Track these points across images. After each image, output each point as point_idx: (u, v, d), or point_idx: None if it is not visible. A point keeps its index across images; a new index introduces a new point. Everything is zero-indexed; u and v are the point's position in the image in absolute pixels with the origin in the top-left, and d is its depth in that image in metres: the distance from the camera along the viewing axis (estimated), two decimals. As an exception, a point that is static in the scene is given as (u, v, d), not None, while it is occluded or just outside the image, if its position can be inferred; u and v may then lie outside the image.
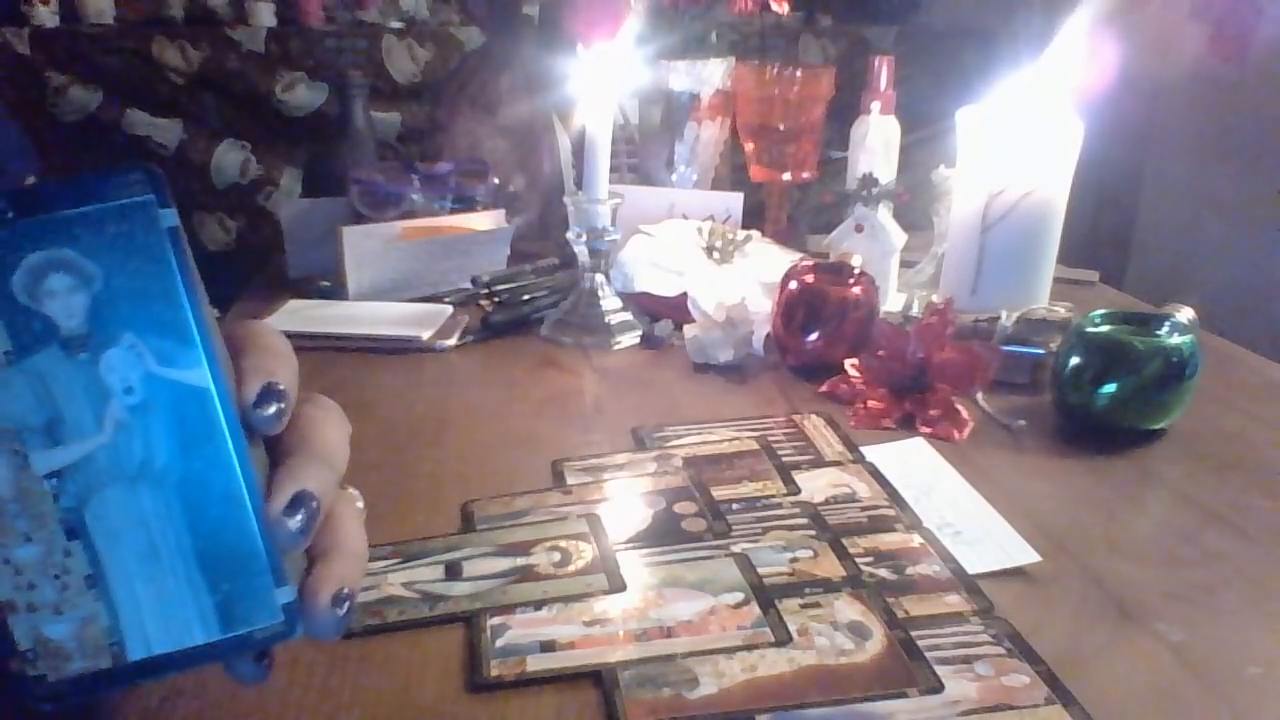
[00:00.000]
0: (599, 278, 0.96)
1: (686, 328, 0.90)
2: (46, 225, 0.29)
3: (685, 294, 0.92)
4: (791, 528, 0.60)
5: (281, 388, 0.31)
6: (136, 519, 0.30)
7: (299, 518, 0.31)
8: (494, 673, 0.47)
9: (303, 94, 2.42)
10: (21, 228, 0.28)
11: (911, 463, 0.70)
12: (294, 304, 1.02)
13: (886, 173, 1.04)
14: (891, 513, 0.62)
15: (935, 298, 0.96)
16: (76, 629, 0.30)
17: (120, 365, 0.29)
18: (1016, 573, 0.56)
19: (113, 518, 0.30)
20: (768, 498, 0.64)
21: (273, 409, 0.31)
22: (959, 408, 0.76)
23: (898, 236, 1.02)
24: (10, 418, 0.29)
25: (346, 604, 0.31)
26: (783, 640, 0.50)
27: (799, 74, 1.11)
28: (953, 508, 0.63)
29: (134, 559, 0.30)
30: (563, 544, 0.58)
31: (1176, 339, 0.74)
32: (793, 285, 0.87)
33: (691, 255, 1.00)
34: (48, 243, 0.29)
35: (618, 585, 0.54)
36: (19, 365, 0.29)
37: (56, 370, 0.29)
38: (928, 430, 0.75)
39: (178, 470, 0.30)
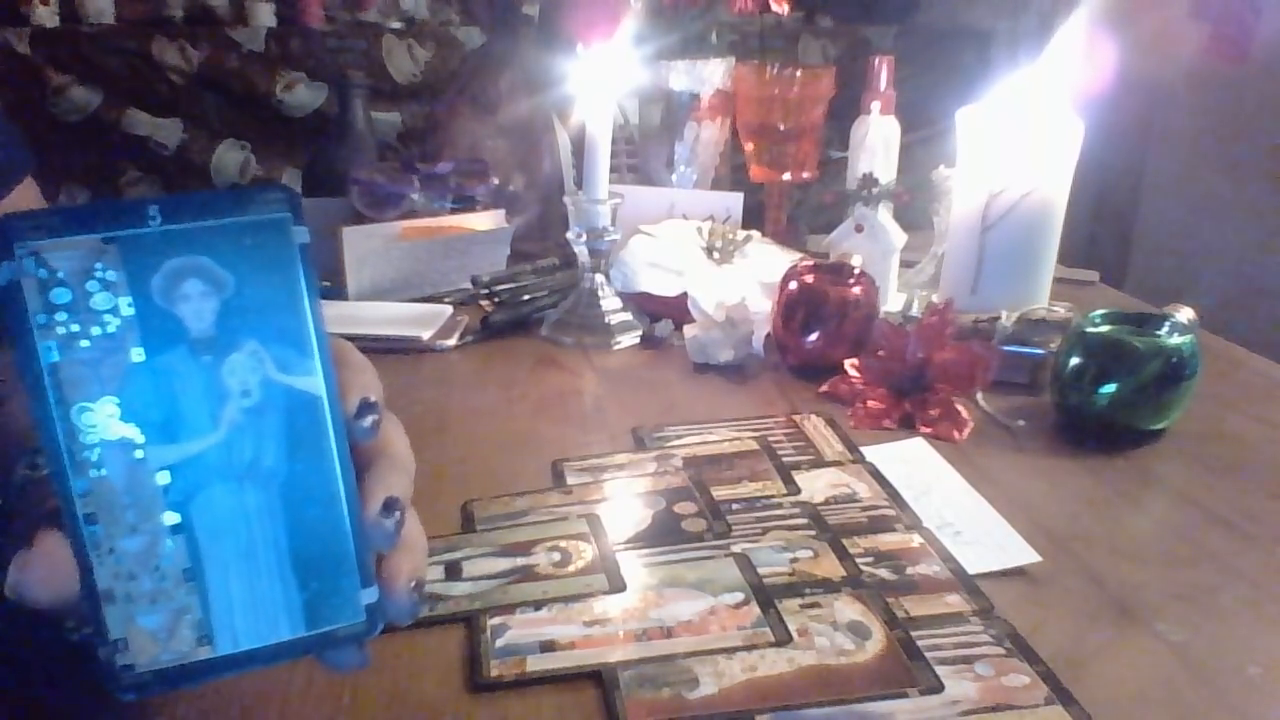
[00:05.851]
0: (599, 278, 0.96)
1: (686, 328, 0.90)
2: (189, 233, 0.30)
3: (685, 294, 0.92)
4: (791, 528, 0.60)
5: (374, 401, 0.33)
6: (239, 516, 0.31)
7: (393, 520, 0.33)
8: (494, 673, 0.47)
9: (303, 94, 2.42)
10: (166, 234, 0.30)
11: (911, 463, 0.70)
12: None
13: (886, 173, 1.04)
14: (891, 513, 0.62)
15: (935, 298, 0.96)
16: (169, 620, 0.31)
17: (241, 369, 0.31)
18: (1016, 573, 0.56)
19: (217, 514, 0.31)
20: (768, 498, 0.64)
21: (369, 420, 0.33)
22: (959, 408, 0.76)
23: (898, 236, 1.02)
24: (133, 412, 0.30)
25: (420, 590, 0.34)
26: (783, 640, 0.50)
27: (799, 74, 1.11)
28: (953, 508, 0.63)
29: (232, 555, 0.31)
30: (563, 544, 0.58)
31: (1176, 339, 0.73)
32: (793, 285, 0.87)
33: (691, 255, 0.99)
34: (188, 249, 0.30)
35: (618, 585, 0.54)
36: (148, 363, 0.30)
37: (181, 370, 0.30)
38: (928, 430, 0.75)
39: (283, 472, 0.32)
